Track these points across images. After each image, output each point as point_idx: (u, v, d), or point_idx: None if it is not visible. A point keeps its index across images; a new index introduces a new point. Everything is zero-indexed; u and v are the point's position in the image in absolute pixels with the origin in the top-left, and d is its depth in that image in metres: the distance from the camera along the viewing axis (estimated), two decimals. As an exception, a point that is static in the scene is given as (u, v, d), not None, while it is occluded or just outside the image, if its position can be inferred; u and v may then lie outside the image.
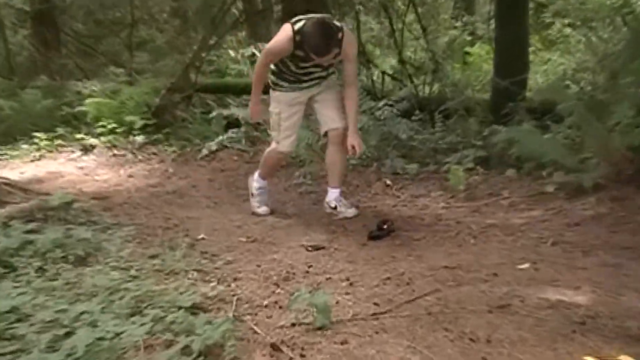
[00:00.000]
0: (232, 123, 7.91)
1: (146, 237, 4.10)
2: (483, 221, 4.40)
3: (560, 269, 3.27)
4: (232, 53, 12.09)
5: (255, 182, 4.92)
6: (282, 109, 4.48)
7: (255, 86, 4.43)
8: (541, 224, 4.17)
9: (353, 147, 4.33)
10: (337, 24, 4.16)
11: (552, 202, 4.64)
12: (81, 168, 7.15)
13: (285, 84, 4.47)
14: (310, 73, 4.40)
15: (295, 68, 4.35)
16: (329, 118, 4.51)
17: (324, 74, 4.46)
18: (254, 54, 12.21)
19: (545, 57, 10.99)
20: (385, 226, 4.17)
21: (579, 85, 7.02)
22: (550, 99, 6.16)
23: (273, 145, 4.65)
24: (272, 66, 4.44)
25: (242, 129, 7.59)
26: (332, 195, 4.83)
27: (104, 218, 4.50)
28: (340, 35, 4.09)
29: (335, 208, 4.78)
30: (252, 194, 4.95)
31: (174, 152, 7.51)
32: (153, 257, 3.62)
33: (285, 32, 4.17)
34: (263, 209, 4.89)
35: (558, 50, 11.18)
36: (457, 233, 4.16)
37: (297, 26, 4.12)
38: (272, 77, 4.50)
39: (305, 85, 4.48)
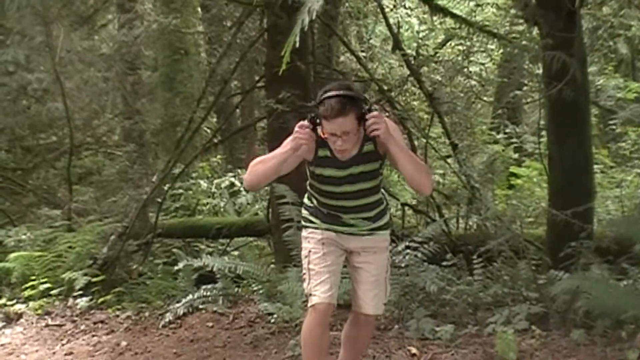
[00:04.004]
0: (205, 277, 8.01)
1: None
2: (544, 402, 4.44)
3: None
4: (204, 184, 12.47)
5: None
6: (313, 248, 4.65)
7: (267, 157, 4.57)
8: (622, 405, 4.25)
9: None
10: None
11: (635, 373, 4.71)
12: (1, 346, 7.19)
13: (317, 220, 4.69)
14: (343, 198, 4.55)
15: (322, 190, 4.58)
16: (363, 302, 4.75)
17: (360, 203, 4.58)
18: (232, 184, 12.62)
19: (617, 178, 11.26)
20: None
21: (665, 215, 7.23)
22: (626, 235, 6.32)
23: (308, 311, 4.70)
24: (305, 199, 4.74)
25: (219, 284, 7.70)
26: None
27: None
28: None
29: None
30: None
31: (128, 318, 7.59)
32: None
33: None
34: None
35: (634, 168, 11.46)
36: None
37: None
38: (303, 211, 4.79)
39: (341, 221, 4.63)
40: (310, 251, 4.64)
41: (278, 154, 4.46)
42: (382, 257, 4.73)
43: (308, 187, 4.70)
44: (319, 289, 4.54)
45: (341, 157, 4.42)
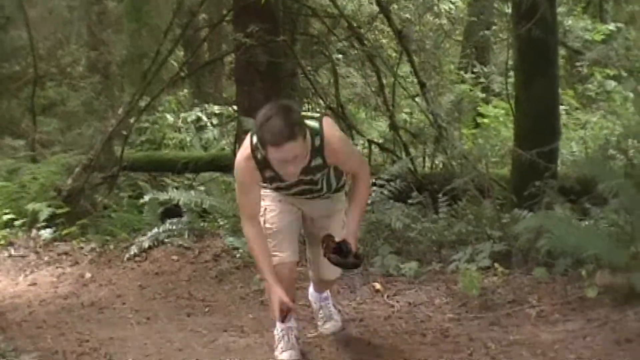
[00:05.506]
0: (171, 211, 8.01)
1: (55, 367, 4.15)
2: (504, 338, 4.51)
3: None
4: (170, 118, 12.39)
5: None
6: (268, 206, 4.44)
7: (262, 262, 4.25)
8: (581, 341, 4.33)
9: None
10: (312, 122, 4.11)
11: (594, 310, 4.79)
12: (-36, 275, 7.16)
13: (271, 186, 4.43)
14: (296, 194, 4.38)
15: (274, 189, 4.39)
16: (321, 268, 4.57)
17: (315, 195, 4.40)
18: (199, 119, 12.55)
19: (582, 119, 11.36)
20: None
21: (627, 157, 7.28)
22: (589, 175, 6.38)
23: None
24: None
25: (185, 218, 7.68)
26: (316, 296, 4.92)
27: (-4, 342, 4.54)
28: (318, 140, 4.07)
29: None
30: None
31: (92, 250, 7.56)
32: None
33: (241, 154, 4.23)
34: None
35: (599, 110, 11.55)
36: (470, 354, 4.32)
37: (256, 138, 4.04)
38: None
39: (298, 197, 4.42)
40: (265, 209, 4.41)
41: (264, 271, 4.22)
42: (338, 219, 4.50)
43: None
44: (277, 249, 4.35)
45: (288, 179, 4.15)
